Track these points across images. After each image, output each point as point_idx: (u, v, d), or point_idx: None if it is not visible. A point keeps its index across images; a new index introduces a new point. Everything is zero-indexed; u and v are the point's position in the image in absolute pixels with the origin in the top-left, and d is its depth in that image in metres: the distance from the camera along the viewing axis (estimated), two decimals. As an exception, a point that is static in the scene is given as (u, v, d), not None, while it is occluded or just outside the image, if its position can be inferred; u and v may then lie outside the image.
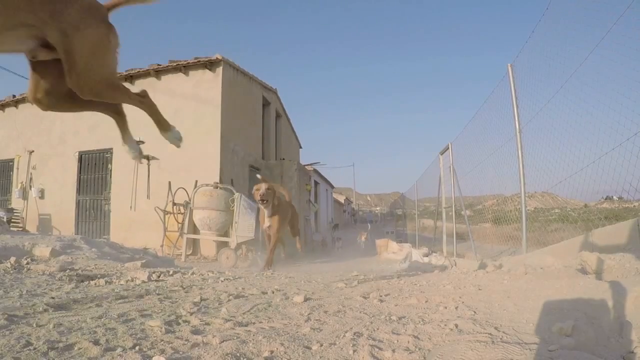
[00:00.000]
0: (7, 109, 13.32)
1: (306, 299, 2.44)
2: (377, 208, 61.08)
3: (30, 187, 12.30)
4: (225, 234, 9.44)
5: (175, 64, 10.86)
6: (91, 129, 11.53)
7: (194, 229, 9.47)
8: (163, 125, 2.25)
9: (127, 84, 11.28)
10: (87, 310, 2.08)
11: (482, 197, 9.76)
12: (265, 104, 14.93)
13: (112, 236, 10.58)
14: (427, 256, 8.98)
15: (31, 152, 12.44)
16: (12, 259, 3.99)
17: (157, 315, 1.97)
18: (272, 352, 1.37)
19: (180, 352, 1.38)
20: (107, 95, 1.80)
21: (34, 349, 1.38)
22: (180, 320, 1.87)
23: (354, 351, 1.37)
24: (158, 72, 11.07)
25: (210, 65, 10.78)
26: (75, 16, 1.53)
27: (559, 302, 1.89)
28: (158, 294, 2.66)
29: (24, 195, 12.33)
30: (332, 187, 33.35)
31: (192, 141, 10.54)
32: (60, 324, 1.70)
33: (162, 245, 9.23)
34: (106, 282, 3.18)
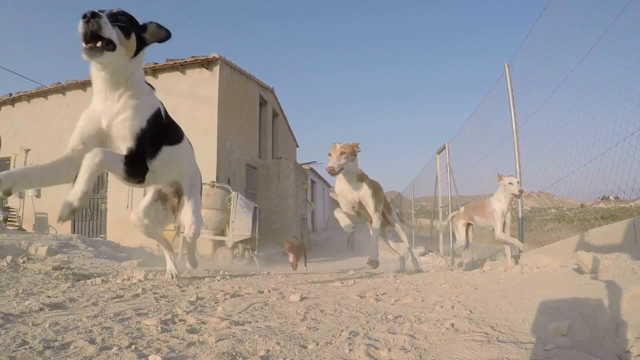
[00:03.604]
0: (3, 107, 13.27)
1: (302, 298, 2.44)
2: (374, 207, 60.86)
3: (27, 185, 12.24)
4: (222, 233, 9.43)
5: (172, 63, 10.83)
6: (88, 127, 11.47)
7: (191, 228, 9.45)
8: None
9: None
10: (83, 309, 2.08)
11: (479, 197, 9.78)
12: (262, 102, 14.91)
13: (109, 235, 10.56)
14: (423, 255, 9.01)
15: (28, 150, 12.39)
16: (9, 258, 3.97)
17: (153, 314, 1.97)
18: (268, 351, 1.37)
19: (176, 351, 1.38)
20: None
21: (30, 347, 1.37)
22: (176, 319, 1.86)
23: (350, 350, 1.37)
24: (155, 71, 11.03)
25: (207, 64, 10.76)
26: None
27: (555, 302, 1.90)
28: (154, 293, 2.66)
29: (20, 193, 12.28)
30: (329, 186, 33.38)
31: (189, 140, 10.54)
32: (56, 323, 1.70)
33: (158, 245, 9.21)
34: (102, 281, 3.17)
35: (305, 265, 8.99)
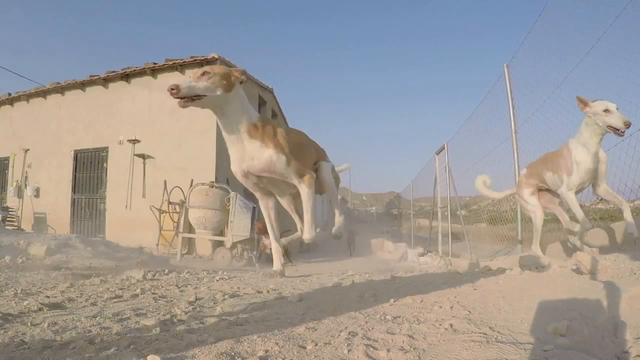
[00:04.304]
0: (2, 107, 13.24)
1: (301, 299, 2.44)
2: (373, 208, 60.86)
3: (26, 185, 12.23)
4: (221, 233, 9.42)
5: (171, 63, 10.82)
6: (87, 127, 11.49)
7: (190, 228, 9.45)
8: None
9: (122, 82, 11.25)
10: (82, 309, 2.08)
11: (478, 197, 9.79)
12: (262, 103, 14.91)
13: (108, 235, 10.55)
14: (422, 256, 9.01)
15: (26, 150, 12.37)
16: (7, 258, 3.98)
17: (152, 314, 1.97)
18: (267, 351, 1.37)
19: (175, 351, 1.38)
20: None
21: (29, 348, 1.37)
22: (175, 320, 1.86)
23: (349, 350, 1.37)
24: (154, 71, 11.02)
25: (206, 64, 10.74)
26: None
27: (554, 302, 1.90)
28: (153, 293, 2.66)
29: (19, 193, 12.27)
30: (328, 186, 33.34)
31: (187, 140, 10.52)
32: (55, 323, 1.70)
33: (157, 244, 9.21)
34: (101, 281, 3.17)
35: (290, 260, 8.26)
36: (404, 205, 20.94)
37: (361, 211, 57.16)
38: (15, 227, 10.62)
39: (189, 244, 9.85)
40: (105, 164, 11.38)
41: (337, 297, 2.54)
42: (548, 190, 4.19)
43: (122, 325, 1.70)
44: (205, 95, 2.62)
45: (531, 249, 4.46)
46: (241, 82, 2.82)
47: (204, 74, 2.65)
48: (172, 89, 2.49)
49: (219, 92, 2.65)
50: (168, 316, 1.92)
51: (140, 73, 11.11)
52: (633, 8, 3.73)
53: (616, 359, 1.28)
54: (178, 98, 2.55)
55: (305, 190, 2.99)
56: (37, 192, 12.06)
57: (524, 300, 2.09)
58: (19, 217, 11.95)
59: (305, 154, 3.14)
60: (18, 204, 12.21)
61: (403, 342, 1.46)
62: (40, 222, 11.89)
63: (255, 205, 9.38)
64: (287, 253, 7.89)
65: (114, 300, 2.37)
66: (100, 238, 9.16)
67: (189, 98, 2.57)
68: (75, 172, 11.78)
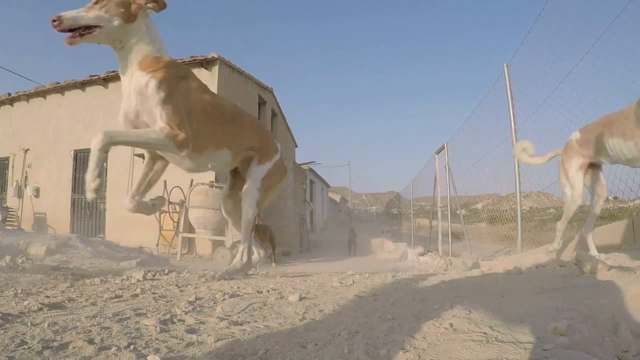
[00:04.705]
0: (2, 107, 13.25)
1: (301, 298, 2.44)
2: (373, 207, 60.86)
3: (26, 185, 12.24)
4: (221, 232, 9.42)
5: (171, 63, 10.81)
6: (86, 127, 11.48)
7: (190, 228, 9.46)
8: None
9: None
10: (82, 309, 2.08)
11: (478, 197, 9.78)
12: (261, 102, 14.92)
13: (108, 235, 10.55)
14: (422, 255, 9.01)
15: (26, 150, 12.38)
16: (7, 258, 3.97)
17: (152, 314, 1.96)
18: (267, 351, 1.37)
19: (175, 351, 1.38)
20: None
21: (29, 347, 1.37)
22: (175, 319, 1.86)
23: (349, 350, 1.37)
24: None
25: (206, 64, 10.76)
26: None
27: (554, 302, 1.90)
28: (153, 293, 2.66)
29: (19, 193, 12.28)
30: (328, 186, 33.40)
31: (188, 140, 10.53)
32: (55, 323, 1.70)
33: (157, 244, 9.21)
34: (101, 280, 3.17)
35: (275, 261, 8.11)
36: (403, 205, 20.94)
37: (361, 211, 57.18)
38: (15, 227, 10.63)
39: (189, 243, 9.85)
40: (105, 164, 11.39)
41: (337, 297, 2.54)
42: (600, 168, 3.40)
43: (122, 325, 1.70)
44: (98, 27, 2.18)
45: (556, 225, 3.96)
46: (150, 10, 2.36)
47: (97, 2, 2.21)
48: (54, 20, 2.05)
49: (115, 23, 2.22)
50: (168, 316, 1.92)
51: (140, 73, 11.12)
52: (633, 8, 3.73)
53: (616, 358, 1.28)
54: (62, 31, 2.09)
55: (161, 130, 2.27)
56: (37, 192, 12.07)
57: (524, 299, 2.09)
58: (19, 217, 11.96)
59: (224, 128, 2.55)
60: (18, 204, 12.22)
61: (403, 341, 1.45)
62: (40, 222, 11.89)
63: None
64: (273, 249, 7.98)
65: (114, 300, 2.37)
66: (100, 238, 9.17)
67: (77, 32, 2.14)
68: (75, 172, 11.78)
